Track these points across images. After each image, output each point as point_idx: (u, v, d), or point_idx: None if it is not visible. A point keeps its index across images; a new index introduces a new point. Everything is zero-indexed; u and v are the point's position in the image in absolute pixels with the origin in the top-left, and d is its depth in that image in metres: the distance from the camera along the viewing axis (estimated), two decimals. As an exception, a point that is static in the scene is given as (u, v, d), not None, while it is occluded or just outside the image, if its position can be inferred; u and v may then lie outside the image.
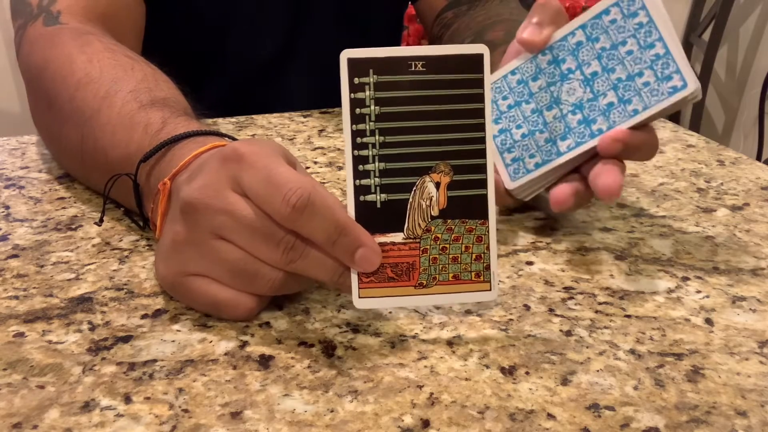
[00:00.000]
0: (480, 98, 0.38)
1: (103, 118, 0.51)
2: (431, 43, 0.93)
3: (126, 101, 0.51)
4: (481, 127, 0.38)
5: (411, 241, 0.38)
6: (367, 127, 0.37)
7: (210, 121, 0.72)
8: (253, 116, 0.75)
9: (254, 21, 0.81)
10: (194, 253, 0.39)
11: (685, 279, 0.47)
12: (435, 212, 0.38)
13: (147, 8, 0.73)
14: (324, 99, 0.80)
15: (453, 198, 0.38)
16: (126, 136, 0.49)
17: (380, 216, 0.37)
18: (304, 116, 0.77)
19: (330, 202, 0.36)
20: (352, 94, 0.37)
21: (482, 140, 0.38)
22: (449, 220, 0.38)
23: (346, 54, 0.37)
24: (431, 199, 0.38)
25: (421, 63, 0.37)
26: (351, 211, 0.37)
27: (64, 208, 0.54)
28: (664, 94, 0.48)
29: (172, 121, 0.48)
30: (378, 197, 0.37)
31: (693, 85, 0.47)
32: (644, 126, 0.49)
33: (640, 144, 0.49)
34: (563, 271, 0.48)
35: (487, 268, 0.38)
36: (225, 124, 0.73)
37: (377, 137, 0.37)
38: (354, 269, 0.37)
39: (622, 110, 0.49)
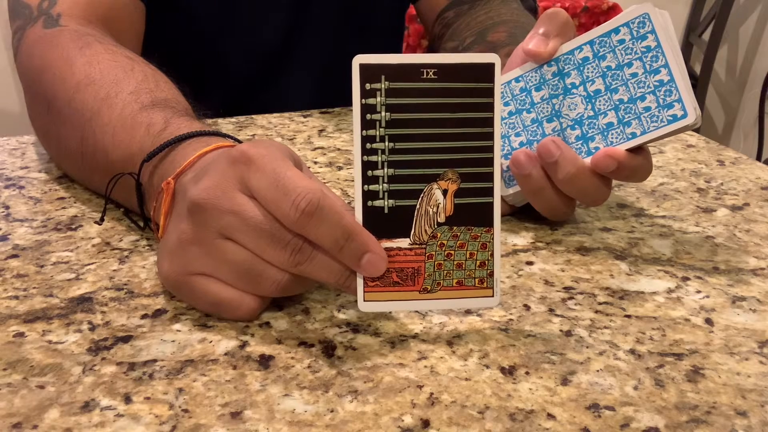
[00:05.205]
0: (490, 107, 0.38)
1: (104, 119, 0.50)
2: (432, 42, 0.93)
3: (127, 102, 0.51)
4: (490, 136, 0.38)
5: (417, 246, 0.38)
6: (377, 133, 0.37)
7: (210, 121, 0.72)
8: (253, 116, 0.75)
9: (253, 21, 0.81)
10: (200, 252, 0.39)
11: (685, 279, 0.47)
12: (441, 219, 0.38)
13: (146, 9, 0.73)
14: (324, 99, 0.80)
15: (459, 205, 0.38)
16: (128, 137, 0.49)
17: (387, 221, 0.37)
18: (304, 116, 0.77)
19: (338, 207, 0.37)
20: (363, 100, 0.37)
21: (490, 149, 0.38)
22: (455, 227, 0.38)
23: (359, 60, 0.36)
24: (438, 206, 0.38)
25: (433, 71, 0.37)
26: (359, 216, 0.37)
27: (64, 208, 0.54)
28: (663, 122, 0.48)
29: (175, 122, 0.48)
30: (386, 203, 0.37)
31: (693, 115, 0.47)
32: (641, 149, 0.50)
33: (637, 167, 0.50)
34: (563, 271, 0.48)
35: (491, 274, 0.38)
36: (225, 124, 0.73)
37: (387, 143, 0.37)
38: (360, 273, 0.37)
39: (621, 132, 0.49)
